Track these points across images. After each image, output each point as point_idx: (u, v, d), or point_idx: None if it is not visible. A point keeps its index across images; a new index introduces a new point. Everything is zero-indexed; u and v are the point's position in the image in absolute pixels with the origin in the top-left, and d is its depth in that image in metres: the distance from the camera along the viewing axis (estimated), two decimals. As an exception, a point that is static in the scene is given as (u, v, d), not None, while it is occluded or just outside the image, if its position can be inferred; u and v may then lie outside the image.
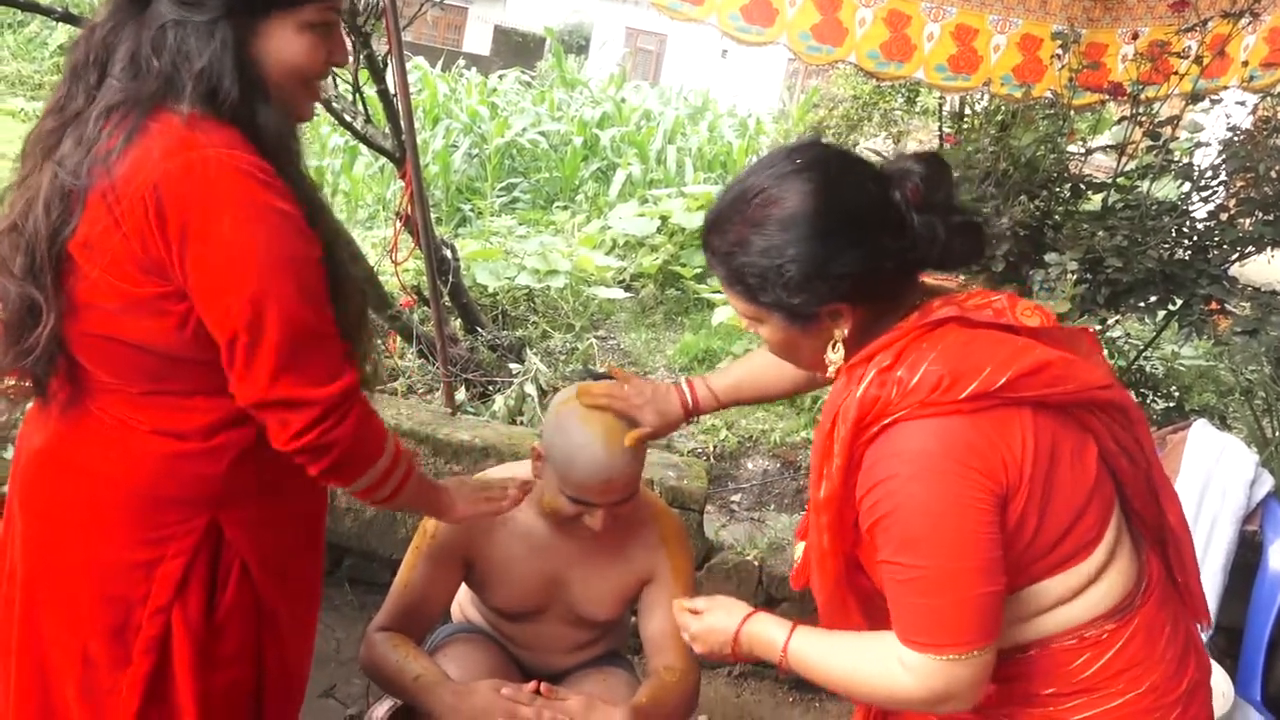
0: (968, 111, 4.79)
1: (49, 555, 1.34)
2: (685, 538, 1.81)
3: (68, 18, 2.98)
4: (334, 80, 3.98)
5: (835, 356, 1.21)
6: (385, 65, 3.48)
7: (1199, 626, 1.34)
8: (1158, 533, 1.30)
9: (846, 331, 1.19)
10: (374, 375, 1.48)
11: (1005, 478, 1.10)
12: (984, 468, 1.10)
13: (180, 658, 1.32)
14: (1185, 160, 3.25)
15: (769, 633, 1.28)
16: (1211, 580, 2.44)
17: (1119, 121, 3.19)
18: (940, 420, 1.11)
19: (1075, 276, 2.68)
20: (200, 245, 1.16)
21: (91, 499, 1.31)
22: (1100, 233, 2.85)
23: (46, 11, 2.97)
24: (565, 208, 7.79)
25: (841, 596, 1.27)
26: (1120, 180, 3.20)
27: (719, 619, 1.34)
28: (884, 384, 1.13)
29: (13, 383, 1.33)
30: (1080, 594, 1.19)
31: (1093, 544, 1.18)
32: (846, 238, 1.14)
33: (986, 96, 4.21)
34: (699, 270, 5.87)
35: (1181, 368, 4.51)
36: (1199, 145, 3.28)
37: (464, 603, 1.93)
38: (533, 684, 1.58)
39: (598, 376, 1.72)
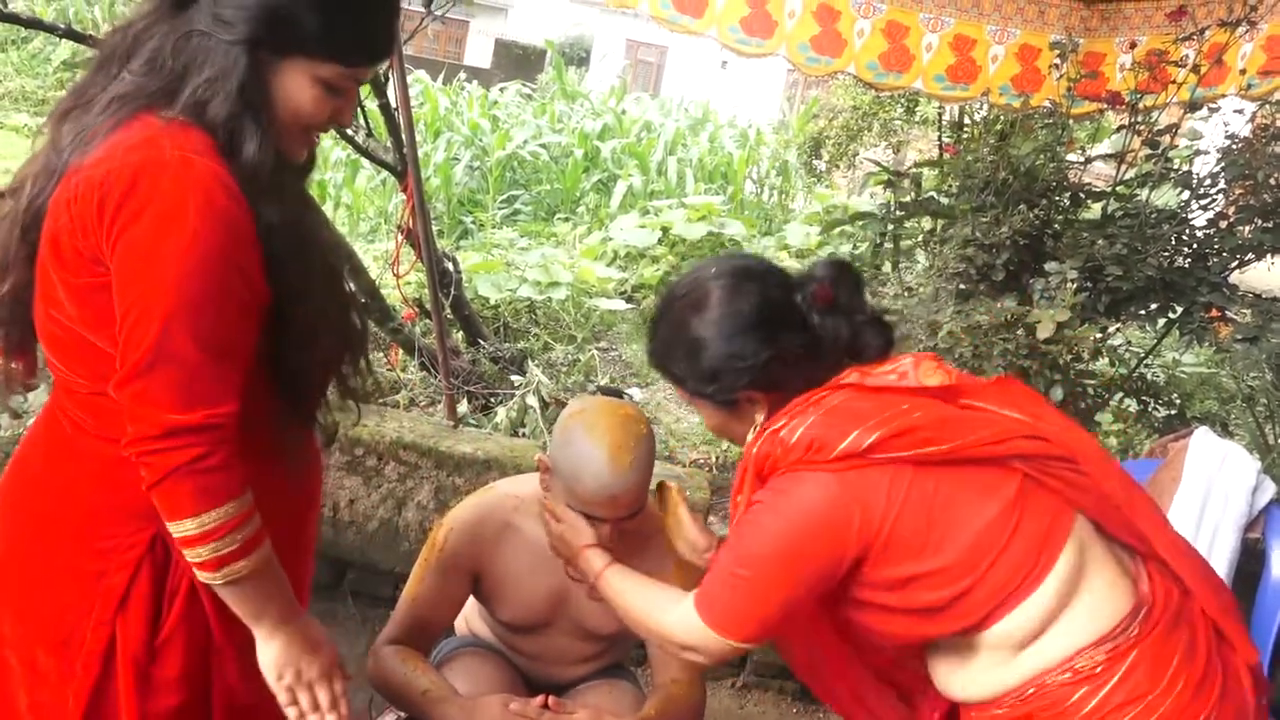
0: (967, 121, 4.81)
1: (9, 559, 1.33)
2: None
3: (71, 34, 3.00)
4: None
5: (751, 438, 1.38)
6: (386, 79, 3.49)
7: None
8: (1159, 559, 1.31)
9: (763, 416, 1.37)
10: (331, 433, 1.43)
11: (856, 535, 1.24)
12: (831, 526, 1.25)
13: (123, 677, 1.28)
14: (1185, 168, 3.26)
15: (593, 561, 1.51)
16: (1215, 588, 2.43)
17: (1118, 130, 3.20)
18: (810, 474, 1.27)
19: (1075, 285, 2.69)
20: (128, 233, 1.15)
21: (45, 504, 1.30)
22: (1100, 241, 2.85)
23: (50, 28, 2.99)
24: (566, 219, 7.81)
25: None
26: (1120, 189, 3.21)
27: (571, 535, 1.56)
28: (771, 443, 1.32)
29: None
30: (1049, 626, 1.24)
31: (1035, 579, 1.24)
32: (752, 337, 1.33)
33: (986, 106, 4.22)
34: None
35: (1183, 375, 4.51)
36: (1198, 153, 3.29)
37: (470, 616, 1.93)
38: (540, 698, 1.59)
39: (608, 391, 1.72)
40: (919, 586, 1.25)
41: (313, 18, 1.21)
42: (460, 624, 1.93)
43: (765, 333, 1.33)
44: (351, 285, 1.43)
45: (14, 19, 2.93)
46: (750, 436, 1.38)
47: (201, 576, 1.22)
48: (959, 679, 1.33)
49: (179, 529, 1.19)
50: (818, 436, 1.26)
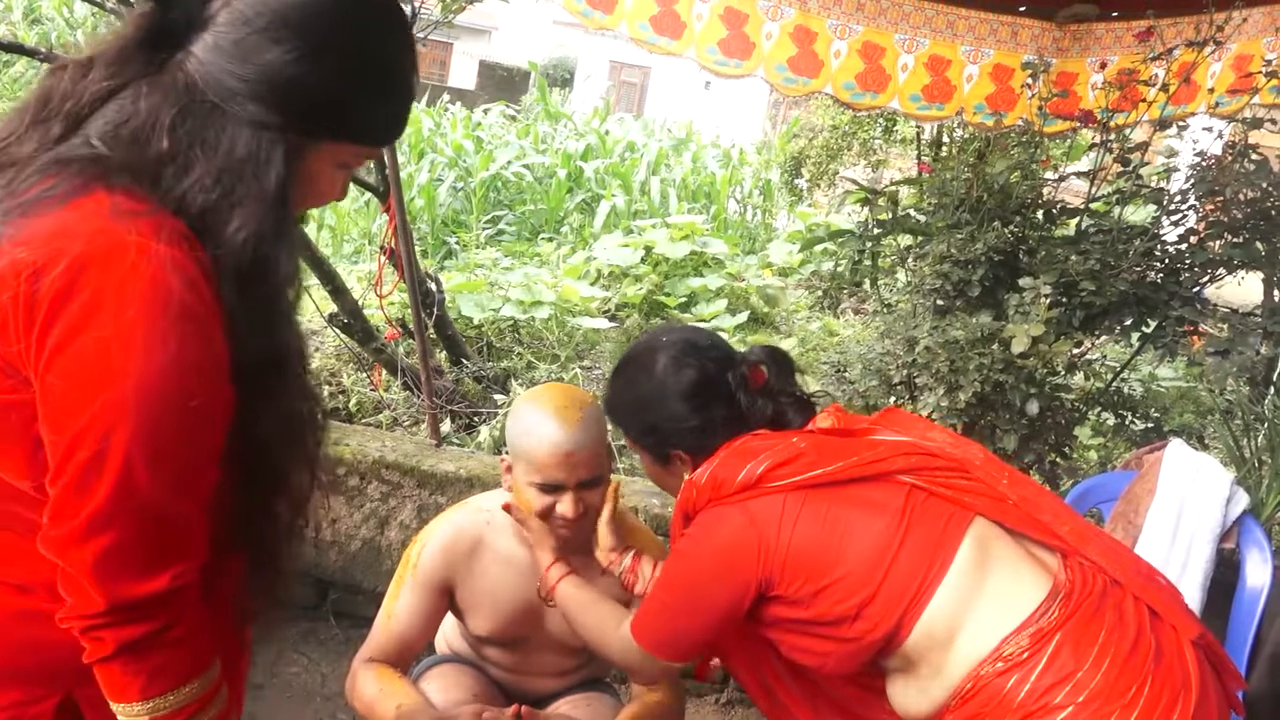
0: (945, 140, 4.87)
1: None
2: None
3: (53, 59, 3.01)
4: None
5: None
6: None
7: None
8: (1070, 548, 1.39)
9: (689, 473, 1.52)
10: (258, 612, 1.15)
11: (757, 557, 1.37)
12: (735, 551, 1.39)
13: None
14: (1159, 185, 3.32)
15: (550, 574, 1.64)
16: (1190, 599, 2.45)
17: (1091, 148, 3.25)
18: (719, 510, 1.43)
19: (1049, 300, 2.72)
20: (70, 346, 0.90)
21: None
22: (1074, 257, 2.89)
23: (31, 53, 3.00)
24: (550, 239, 7.84)
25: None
26: (1096, 206, 3.26)
27: (535, 542, 1.66)
28: (689, 489, 1.49)
29: None
30: (964, 621, 1.31)
31: (934, 578, 1.33)
32: (686, 405, 1.51)
33: (963, 125, 4.28)
34: (683, 300, 5.91)
35: (1160, 389, 4.56)
36: (1172, 170, 3.34)
37: (447, 632, 1.94)
38: (513, 708, 1.59)
39: None
40: (824, 599, 1.35)
41: (361, 100, 1.03)
42: (439, 641, 1.94)
43: (697, 403, 1.51)
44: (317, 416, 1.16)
45: (-2, 45, 2.95)
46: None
47: None
48: (911, 696, 1.39)
49: (124, 712, 0.98)
50: (719, 475, 1.44)
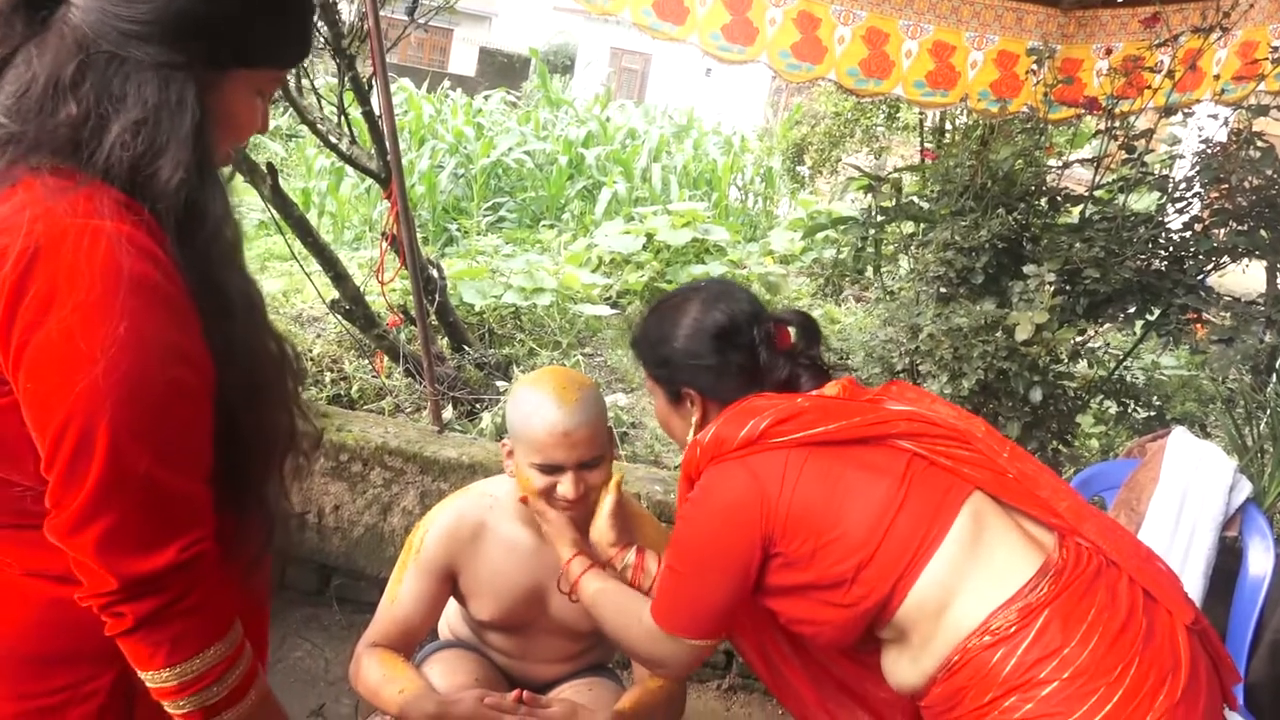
0: (949, 127, 4.85)
1: None
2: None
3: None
4: (319, 102, 4.01)
5: (689, 438, 1.55)
6: (370, 87, 3.51)
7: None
8: (1068, 526, 1.39)
9: (697, 418, 1.54)
10: (257, 559, 1.15)
11: (760, 512, 1.37)
12: (740, 507, 1.39)
13: None
14: (1163, 173, 3.31)
15: (572, 568, 1.62)
16: (1192, 586, 2.46)
17: (1096, 135, 3.24)
18: (722, 466, 1.43)
19: (1053, 288, 2.71)
20: (35, 337, 0.89)
21: None
22: (1078, 244, 2.88)
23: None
24: (551, 226, 7.82)
25: None
26: (1100, 193, 3.25)
27: (554, 534, 1.65)
28: (693, 448, 1.49)
29: None
30: (956, 593, 1.32)
31: (928, 546, 1.33)
32: (707, 344, 1.51)
33: (967, 112, 4.26)
34: (685, 286, 5.91)
35: (1163, 377, 4.56)
36: (1176, 157, 3.33)
37: (450, 618, 1.94)
38: (516, 693, 1.60)
39: None
40: (823, 559, 1.35)
41: (258, 20, 1.01)
42: (442, 626, 1.94)
43: (718, 345, 1.52)
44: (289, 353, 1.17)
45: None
46: (688, 439, 1.54)
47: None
48: (903, 667, 1.39)
49: (153, 680, 1.01)
50: (722, 432, 1.44)
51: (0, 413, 0.95)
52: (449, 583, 1.75)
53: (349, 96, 3.75)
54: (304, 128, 3.77)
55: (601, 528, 1.65)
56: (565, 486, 1.60)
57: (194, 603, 0.99)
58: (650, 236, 6.38)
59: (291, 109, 3.79)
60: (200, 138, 0.97)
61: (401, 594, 1.72)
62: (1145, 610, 1.32)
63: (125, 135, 0.93)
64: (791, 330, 1.56)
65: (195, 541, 0.99)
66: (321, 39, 3.60)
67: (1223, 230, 3.05)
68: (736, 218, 8.93)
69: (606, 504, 1.66)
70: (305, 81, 3.92)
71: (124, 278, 0.90)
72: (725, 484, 1.42)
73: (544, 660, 1.83)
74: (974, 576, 1.32)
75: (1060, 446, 3.01)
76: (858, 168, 3.79)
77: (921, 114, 4.79)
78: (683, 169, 9.61)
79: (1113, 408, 3.42)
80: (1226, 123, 3.31)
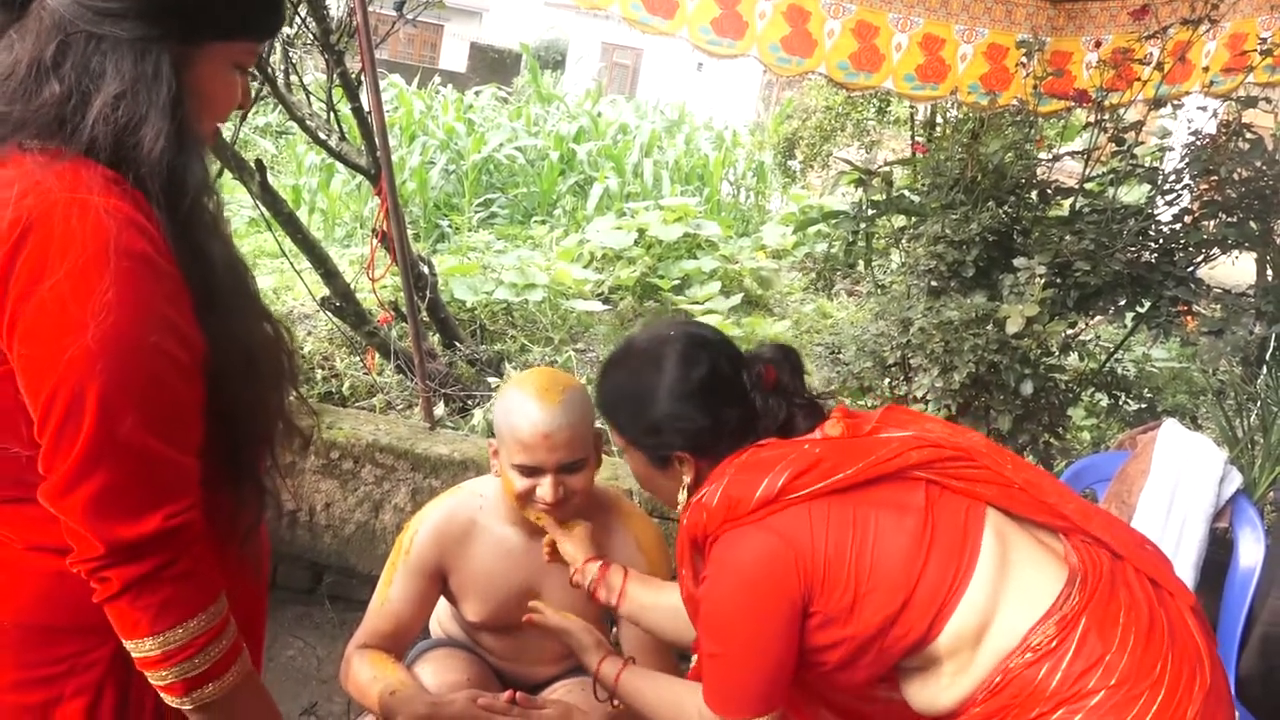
0: (939, 120, 4.85)
1: None
2: (662, 544, 1.82)
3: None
4: (309, 98, 4.00)
5: (682, 498, 1.46)
6: (359, 83, 3.49)
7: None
8: (1081, 532, 1.38)
9: (690, 479, 1.44)
10: (250, 530, 1.17)
11: (796, 573, 1.29)
12: (774, 574, 1.30)
13: None
14: (1153, 165, 3.31)
15: (606, 671, 1.55)
16: (1184, 578, 2.46)
17: (1086, 128, 3.24)
18: (741, 532, 1.33)
19: (1044, 280, 2.71)
20: (27, 306, 0.93)
21: None
22: (1068, 237, 2.89)
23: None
24: (543, 222, 7.80)
25: None
26: (1091, 186, 3.25)
27: (582, 656, 1.59)
28: (697, 511, 1.38)
29: None
30: (994, 616, 1.29)
31: (964, 575, 1.29)
32: (697, 403, 1.41)
33: (958, 106, 4.26)
34: (677, 282, 5.89)
35: (1154, 370, 4.56)
36: (1165, 150, 3.33)
37: (442, 618, 1.93)
38: (509, 693, 1.59)
39: None
40: (863, 608, 1.30)
41: None
42: (433, 626, 1.94)
43: (709, 401, 1.42)
44: (283, 334, 1.20)
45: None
46: (681, 499, 1.46)
47: (169, 701, 1.05)
48: (932, 692, 1.35)
49: (137, 649, 1.02)
50: (733, 494, 1.34)
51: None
52: (439, 582, 1.74)
53: (338, 93, 3.74)
54: (294, 124, 3.75)
55: (565, 551, 1.64)
56: (544, 489, 1.59)
57: (179, 571, 1.01)
58: (642, 232, 6.36)
59: (281, 106, 3.77)
60: (178, 108, 0.99)
61: (391, 594, 1.72)
62: (1159, 602, 1.32)
63: (106, 109, 0.96)
64: (776, 367, 1.48)
65: (182, 510, 1.00)
66: (310, 35, 3.59)
67: (1212, 222, 3.05)
68: (728, 213, 8.92)
69: (573, 532, 1.65)
70: (294, 78, 3.91)
71: (113, 247, 0.93)
72: (751, 552, 1.32)
73: (536, 660, 1.83)
74: (1007, 596, 1.30)
75: (1052, 439, 3.01)
76: (849, 162, 3.78)
77: (912, 108, 4.79)
78: (674, 164, 9.59)
79: (1104, 400, 3.42)
80: (1216, 115, 3.32)
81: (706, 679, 1.38)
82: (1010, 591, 1.30)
